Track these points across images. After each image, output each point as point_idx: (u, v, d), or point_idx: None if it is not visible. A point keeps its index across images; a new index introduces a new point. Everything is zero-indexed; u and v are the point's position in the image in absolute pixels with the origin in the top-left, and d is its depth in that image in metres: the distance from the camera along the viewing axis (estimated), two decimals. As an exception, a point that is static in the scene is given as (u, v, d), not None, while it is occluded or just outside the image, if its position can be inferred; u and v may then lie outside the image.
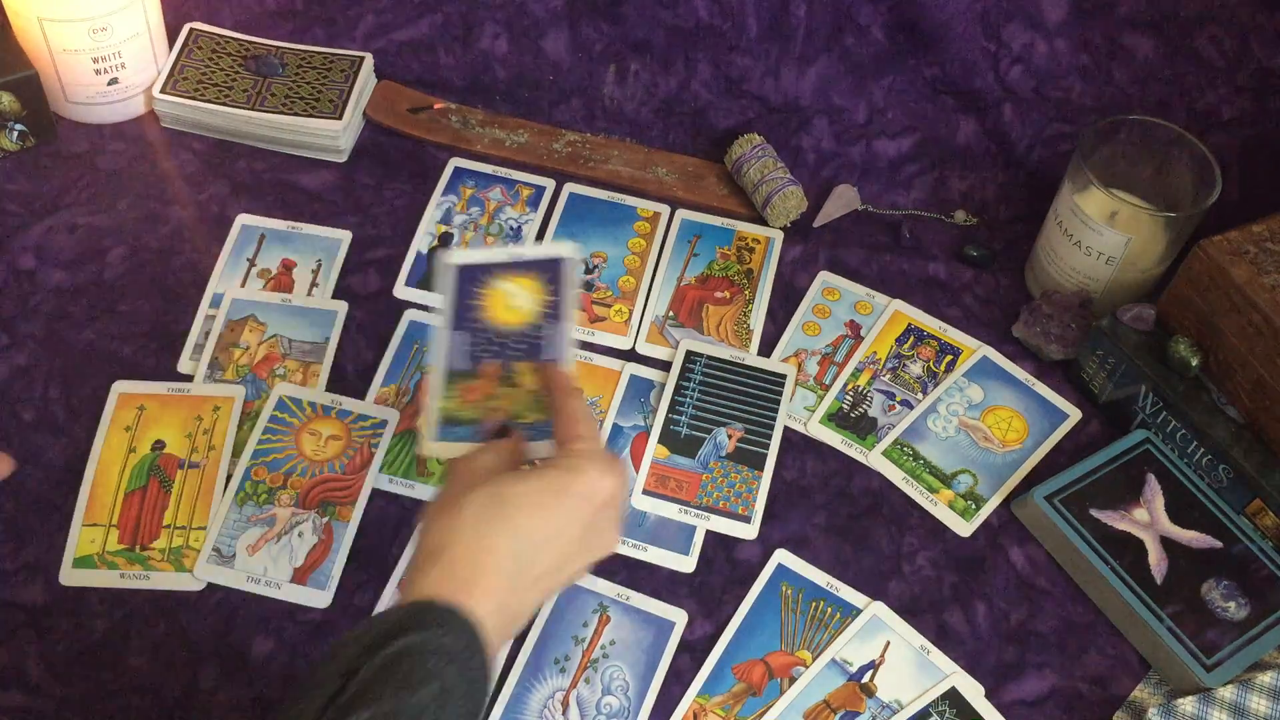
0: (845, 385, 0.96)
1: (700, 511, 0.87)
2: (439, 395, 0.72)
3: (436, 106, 1.12)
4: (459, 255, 0.76)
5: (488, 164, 1.08)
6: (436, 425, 0.71)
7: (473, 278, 0.75)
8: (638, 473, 0.89)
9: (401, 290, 0.99)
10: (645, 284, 1.01)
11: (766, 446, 0.91)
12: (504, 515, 0.61)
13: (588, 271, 1.01)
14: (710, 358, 0.96)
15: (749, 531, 0.87)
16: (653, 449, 0.90)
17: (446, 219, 1.04)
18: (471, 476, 0.64)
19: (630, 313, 0.99)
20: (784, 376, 0.95)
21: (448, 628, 0.56)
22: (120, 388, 0.90)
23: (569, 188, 1.07)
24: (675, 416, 0.92)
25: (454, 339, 0.73)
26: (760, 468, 0.90)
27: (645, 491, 0.88)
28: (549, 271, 0.75)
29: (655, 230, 1.05)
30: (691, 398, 0.93)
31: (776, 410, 0.93)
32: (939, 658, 0.82)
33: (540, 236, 1.03)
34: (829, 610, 0.84)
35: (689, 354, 0.96)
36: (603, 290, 1.01)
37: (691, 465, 0.90)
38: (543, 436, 0.71)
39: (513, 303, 0.74)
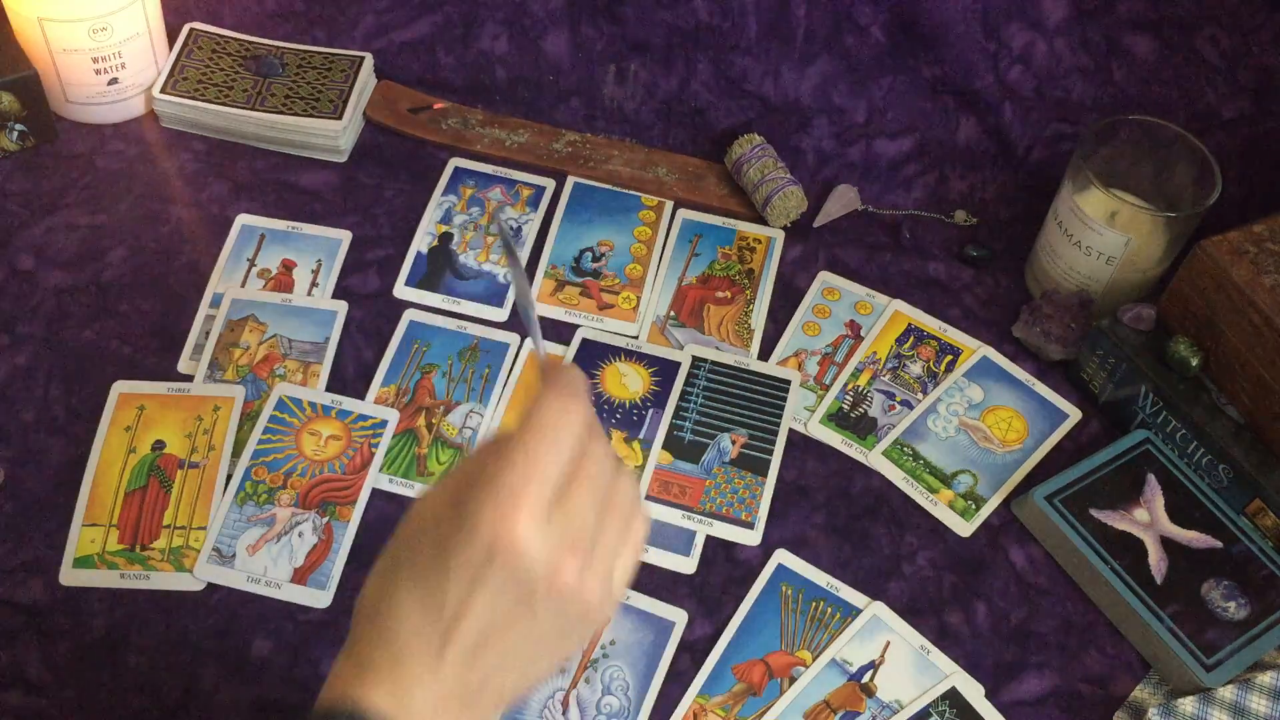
0: (845, 385, 0.96)
1: (703, 517, 0.87)
2: None
3: (436, 106, 1.12)
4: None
5: (488, 164, 1.08)
6: None
7: (599, 352, 0.93)
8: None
9: (401, 290, 0.99)
10: (652, 272, 1.02)
11: (770, 452, 0.91)
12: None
13: (595, 260, 1.02)
14: (715, 363, 0.96)
15: (752, 538, 0.86)
16: (656, 454, 0.90)
17: (446, 219, 1.04)
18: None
19: (638, 300, 1.00)
20: (789, 382, 0.94)
21: None
22: (120, 388, 0.90)
23: (573, 178, 1.07)
24: (679, 422, 0.92)
25: None
26: (764, 474, 0.90)
27: (648, 497, 0.88)
28: (664, 369, 0.92)
29: (660, 219, 1.05)
30: (695, 403, 0.93)
31: (781, 416, 0.93)
32: (939, 658, 0.82)
33: (544, 231, 1.03)
34: (829, 610, 0.84)
35: (694, 359, 0.96)
36: (610, 278, 1.01)
37: (695, 471, 0.90)
38: None
39: (623, 381, 0.90)
